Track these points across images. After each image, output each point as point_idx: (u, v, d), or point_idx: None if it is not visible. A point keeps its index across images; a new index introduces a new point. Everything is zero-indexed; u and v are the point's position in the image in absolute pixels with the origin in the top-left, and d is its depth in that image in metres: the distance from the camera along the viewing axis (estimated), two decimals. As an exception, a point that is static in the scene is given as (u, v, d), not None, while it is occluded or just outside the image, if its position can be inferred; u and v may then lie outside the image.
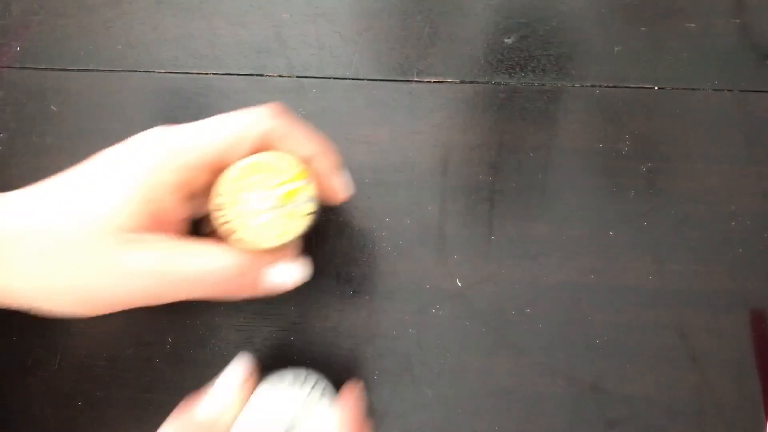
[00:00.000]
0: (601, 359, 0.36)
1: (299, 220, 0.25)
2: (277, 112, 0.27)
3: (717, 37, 0.38)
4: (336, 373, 0.35)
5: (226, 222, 0.25)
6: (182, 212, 0.26)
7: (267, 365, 0.36)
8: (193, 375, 0.35)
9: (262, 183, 0.25)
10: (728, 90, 0.37)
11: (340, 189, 0.29)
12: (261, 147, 0.26)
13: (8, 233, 0.25)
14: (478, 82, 0.38)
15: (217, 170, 0.26)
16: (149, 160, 0.25)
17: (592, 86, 0.37)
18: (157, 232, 0.26)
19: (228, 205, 0.25)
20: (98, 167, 0.26)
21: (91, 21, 0.38)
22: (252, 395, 0.30)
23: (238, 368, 0.30)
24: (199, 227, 0.30)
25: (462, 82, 0.38)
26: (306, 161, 0.27)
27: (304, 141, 0.27)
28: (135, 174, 0.25)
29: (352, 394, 0.32)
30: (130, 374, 0.36)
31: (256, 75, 0.38)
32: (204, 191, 0.27)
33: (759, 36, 0.38)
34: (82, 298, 0.26)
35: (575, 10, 0.38)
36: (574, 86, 0.37)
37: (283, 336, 0.36)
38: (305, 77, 0.38)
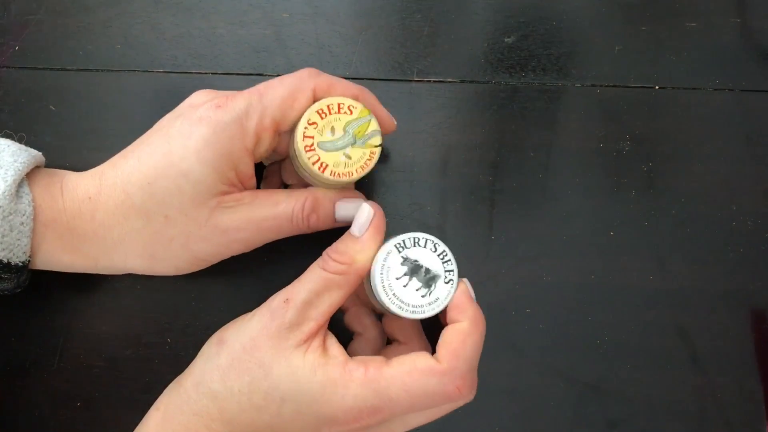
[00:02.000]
0: (601, 359, 0.36)
1: (373, 151, 0.30)
2: (318, 71, 0.31)
3: (718, 37, 0.38)
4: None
5: (318, 160, 0.29)
6: (252, 169, 0.31)
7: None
8: (193, 375, 0.35)
9: (337, 123, 0.30)
10: (729, 90, 0.37)
11: (390, 117, 0.33)
12: (314, 100, 0.30)
13: (118, 215, 0.30)
14: (478, 82, 0.37)
15: (279, 128, 0.30)
16: (227, 133, 0.29)
17: (593, 86, 0.37)
18: (239, 191, 0.31)
19: (315, 146, 0.29)
20: (178, 144, 0.29)
21: (89, 20, 0.38)
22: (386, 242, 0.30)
23: (369, 211, 0.31)
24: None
25: (462, 81, 0.38)
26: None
27: (349, 87, 0.31)
28: (218, 149, 0.29)
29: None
30: (130, 375, 0.36)
31: (256, 74, 0.38)
32: (267, 150, 0.31)
33: (760, 35, 0.38)
34: (191, 261, 0.31)
35: (576, 10, 0.38)
36: (574, 86, 0.37)
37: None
38: (305, 77, 0.37)
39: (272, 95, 0.30)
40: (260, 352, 0.29)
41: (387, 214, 0.37)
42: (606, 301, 0.36)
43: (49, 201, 0.31)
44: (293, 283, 0.30)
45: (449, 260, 0.30)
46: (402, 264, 0.30)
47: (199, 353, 0.31)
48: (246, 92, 0.30)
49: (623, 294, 0.36)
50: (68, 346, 0.36)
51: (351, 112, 0.30)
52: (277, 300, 0.30)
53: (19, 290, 0.32)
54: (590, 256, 0.36)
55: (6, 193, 0.29)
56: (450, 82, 0.38)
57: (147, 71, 0.38)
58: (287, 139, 0.32)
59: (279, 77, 0.31)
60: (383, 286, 0.30)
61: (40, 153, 0.32)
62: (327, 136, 0.30)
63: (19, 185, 0.30)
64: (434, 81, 0.38)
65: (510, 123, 0.37)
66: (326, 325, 0.30)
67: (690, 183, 0.37)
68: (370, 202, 0.31)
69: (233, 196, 0.30)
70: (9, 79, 0.37)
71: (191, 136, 0.29)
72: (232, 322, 0.31)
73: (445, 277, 0.30)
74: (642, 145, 0.37)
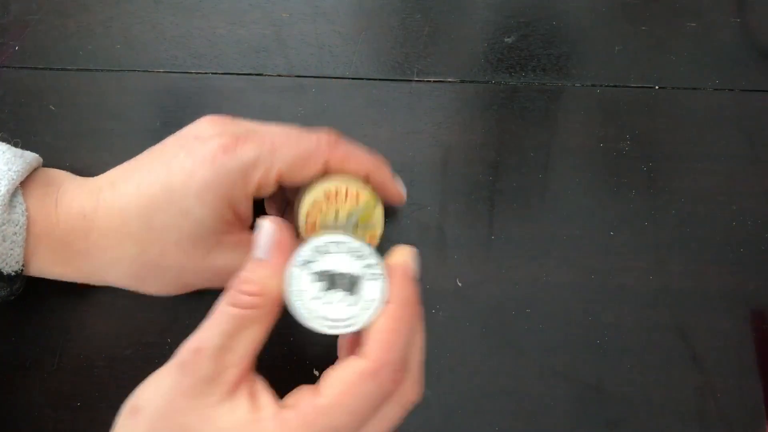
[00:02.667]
0: (601, 359, 0.36)
1: (372, 235, 0.30)
2: (338, 138, 0.30)
3: (718, 37, 0.38)
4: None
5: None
6: (251, 209, 0.31)
7: (266, 366, 0.36)
8: (193, 375, 0.35)
9: (342, 209, 0.29)
10: (729, 89, 0.37)
11: (400, 194, 0.33)
12: (326, 168, 0.30)
13: (112, 239, 0.30)
14: (478, 82, 0.37)
15: (282, 184, 0.30)
16: (230, 179, 0.28)
17: (593, 86, 0.37)
18: (236, 232, 0.30)
19: (318, 226, 0.29)
20: (180, 181, 0.29)
21: (89, 20, 0.38)
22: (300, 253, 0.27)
23: (269, 228, 0.27)
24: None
25: (462, 81, 0.38)
26: (366, 176, 0.31)
27: (363, 161, 0.30)
28: (219, 193, 0.29)
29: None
30: (130, 375, 0.36)
31: (256, 74, 0.38)
32: (268, 195, 0.31)
33: (760, 35, 0.38)
34: (180, 287, 0.31)
35: (576, 10, 0.38)
36: (574, 86, 0.37)
37: (283, 336, 0.35)
38: (304, 77, 0.37)
39: (284, 154, 0.29)
40: (181, 416, 0.25)
41: (387, 215, 0.37)
42: (606, 301, 0.36)
43: (42, 214, 0.30)
44: (201, 326, 0.26)
45: (364, 254, 0.26)
46: (314, 281, 0.26)
47: (114, 427, 0.27)
48: (257, 139, 0.29)
49: (623, 294, 0.36)
50: (68, 346, 0.36)
51: (358, 201, 0.29)
52: (186, 351, 0.26)
53: (12, 297, 0.32)
54: (590, 256, 0.36)
55: None
56: (450, 82, 0.38)
57: (147, 71, 0.38)
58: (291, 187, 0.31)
59: (297, 132, 0.30)
60: (304, 313, 0.26)
61: (37, 155, 0.32)
62: (330, 219, 0.29)
63: (13, 194, 0.30)
64: (434, 81, 0.38)
65: (510, 123, 0.37)
66: (252, 369, 0.27)
67: (690, 183, 0.37)
68: (269, 217, 0.28)
69: (232, 238, 0.30)
70: (9, 79, 0.37)
71: (193, 175, 0.28)
72: (142, 383, 0.27)
73: (369, 275, 0.26)
74: (642, 145, 0.37)
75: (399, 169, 0.37)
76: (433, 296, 0.36)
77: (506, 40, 0.38)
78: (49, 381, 0.36)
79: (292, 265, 0.26)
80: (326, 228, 0.29)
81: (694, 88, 0.37)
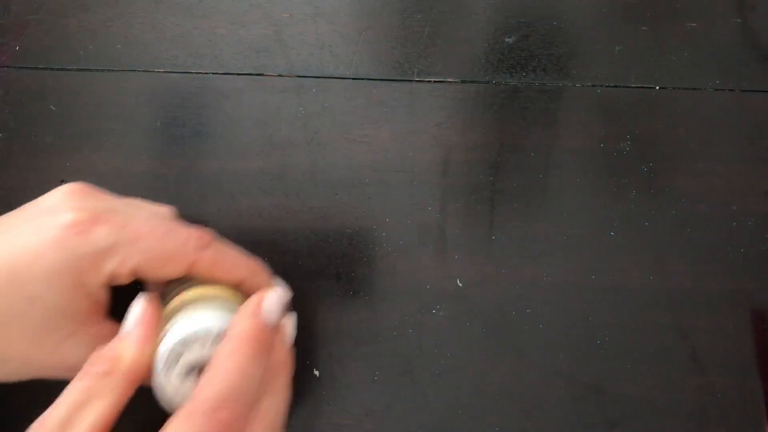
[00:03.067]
0: (601, 360, 0.36)
1: None
2: (210, 241, 0.28)
3: (718, 37, 0.38)
4: (335, 374, 0.35)
5: None
6: (108, 298, 0.28)
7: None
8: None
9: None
10: (729, 90, 0.37)
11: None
12: (191, 270, 0.28)
13: None
14: (478, 82, 0.37)
15: (137, 277, 0.28)
16: (80, 265, 0.26)
17: (593, 86, 0.37)
18: (94, 322, 0.27)
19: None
20: (24, 263, 0.26)
21: (90, 20, 0.38)
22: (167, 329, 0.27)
23: (138, 305, 0.27)
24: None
25: (462, 81, 0.38)
26: (238, 284, 0.29)
27: (234, 269, 0.28)
28: (69, 280, 0.26)
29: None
30: (130, 375, 0.36)
31: (256, 74, 0.38)
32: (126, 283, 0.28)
33: (760, 36, 0.38)
34: (28, 377, 0.28)
35: (576, 10, 0.38)
36: (575, 86, 0.37)
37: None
38: (305, 77, 0.37)
39: (144, 247, 0.27)
40: None
41: (387, 214, 0.37)
42: (606, 301, 0.36)
43: None
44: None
45: (221, 333, 0.26)
46: (187, 374, 0.26)
47: None
48: (118, 222, 0.27)
49: (623, 294, 0.36)
50: (68, 346, 0.36)
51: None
52: (32, 426, 0.24)
53: None
54: (590, 256, 0.36)
55: None
56: (450, 82, 0.38)
57: (147, 71, 0.38)
58: None
59: (166, 226, 0.28)
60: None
61: None
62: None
63: None
64: (434, 81, 0.38)
65: (510, 123, 0.37)
66: None
67: (690, 183, 0.37)
68: (147, 294, 0.28)
69: (90, 330, 0.27)
70: (9, 79, 0.37)
71: (40, 258, 0.26)
72: None
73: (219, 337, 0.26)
74: (642, 145, 0.37)
75: (399, 169, 0.37)
76: (433, 296, 0.36)
77: (507, 40, 0.38)
78: (49, 381, 0.36)
79: (156, 376, 0.26)
80: (178, 313, 0.27)
81: (694, 88, 0.37)
